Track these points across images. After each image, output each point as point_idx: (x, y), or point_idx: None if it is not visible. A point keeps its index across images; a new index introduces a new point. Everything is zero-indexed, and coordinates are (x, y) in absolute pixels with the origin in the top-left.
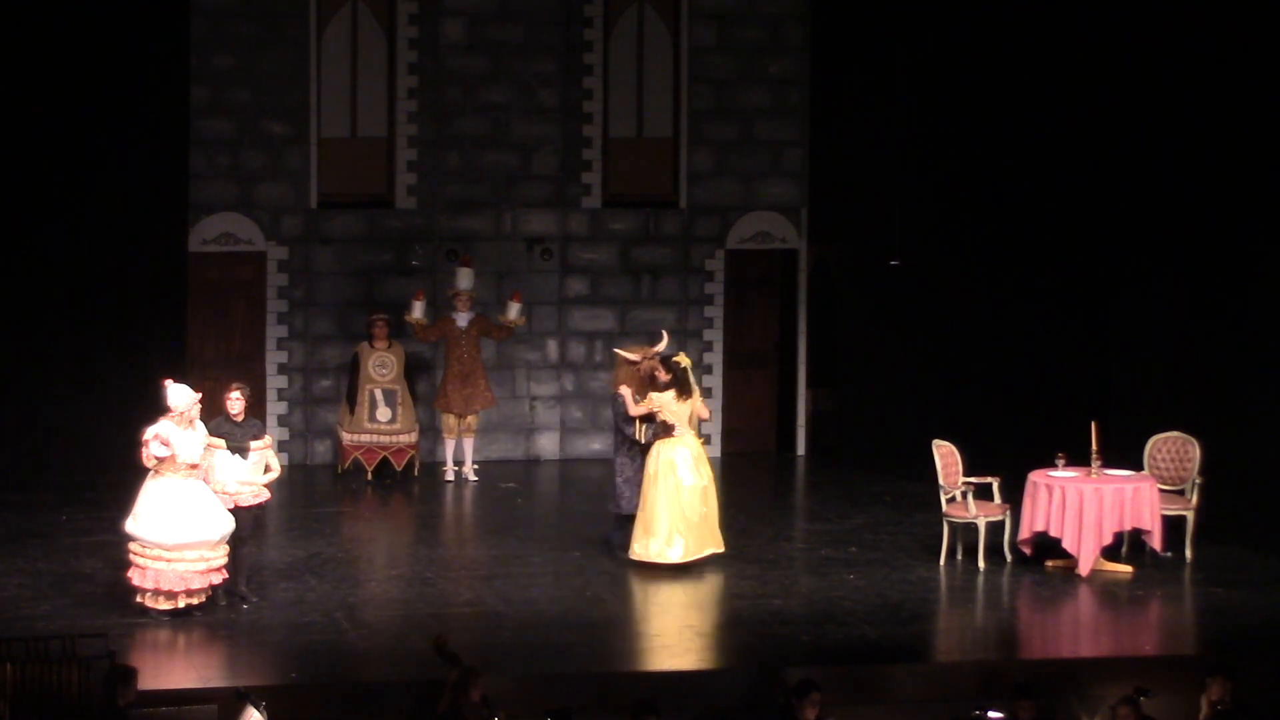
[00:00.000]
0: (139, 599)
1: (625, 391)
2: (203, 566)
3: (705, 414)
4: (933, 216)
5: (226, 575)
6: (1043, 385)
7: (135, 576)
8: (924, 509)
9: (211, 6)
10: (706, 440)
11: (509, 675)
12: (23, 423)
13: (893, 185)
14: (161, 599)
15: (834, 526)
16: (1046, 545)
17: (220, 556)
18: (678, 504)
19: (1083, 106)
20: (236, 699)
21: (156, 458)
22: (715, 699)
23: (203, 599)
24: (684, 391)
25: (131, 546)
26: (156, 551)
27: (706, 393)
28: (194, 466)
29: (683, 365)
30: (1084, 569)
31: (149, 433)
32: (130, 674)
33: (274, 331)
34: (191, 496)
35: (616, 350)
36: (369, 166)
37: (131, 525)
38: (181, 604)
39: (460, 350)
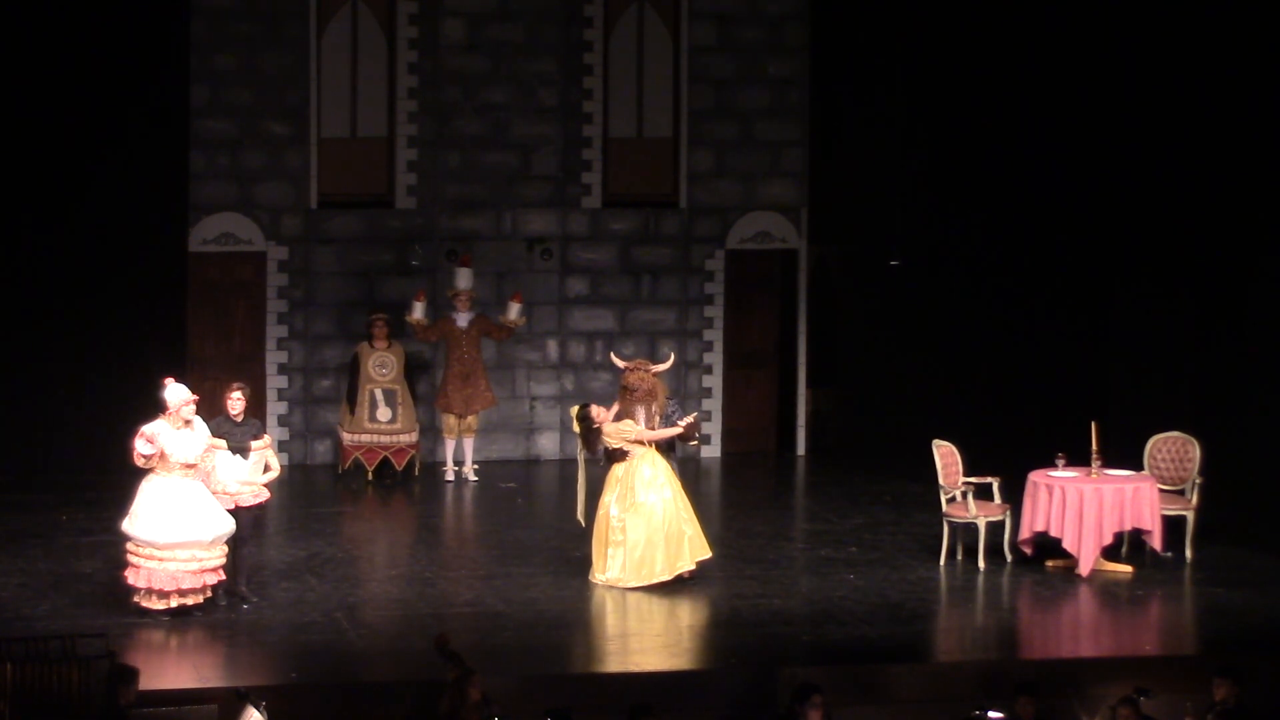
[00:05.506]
0: (136, 599)
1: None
2: (195, 566)
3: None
4: (933, 217)
5: (224, 576)
6: (1043, 385)
7: (130, 576)
8: (924, 509)
9: (211, 6)
10: (707, 440)
11: (509, 675)
12: (23, 423)
13: (893, 186)
14: (155, 598)
15: (834, 526)
16: (1046, 545)
17: (216, 557)
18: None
19: (1083, 106)
20: (236, 699)
21: (142, 455)
22: (715, 699)
23: (199, 599)
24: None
25: (127, 546)
26: (149, 550)
27: (706, 392)
28: (190, 466)
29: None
30: (1084, 569)
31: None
32: (132, 674)
33: (274, 331)
34: (187, 496)
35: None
36: (369, 166)
37: (127, 525)
38: (174, 603)
39: (460, 350)
